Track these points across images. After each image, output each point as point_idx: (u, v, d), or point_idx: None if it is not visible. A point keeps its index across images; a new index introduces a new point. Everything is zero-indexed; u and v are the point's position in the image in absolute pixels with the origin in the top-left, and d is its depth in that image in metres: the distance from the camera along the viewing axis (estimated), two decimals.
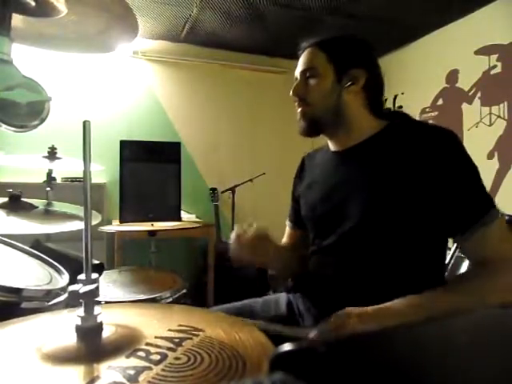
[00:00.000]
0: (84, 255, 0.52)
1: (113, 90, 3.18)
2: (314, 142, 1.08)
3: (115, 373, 0.42)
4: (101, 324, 0.52)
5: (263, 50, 3.49)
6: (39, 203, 1.23)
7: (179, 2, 2.57)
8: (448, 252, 1.16)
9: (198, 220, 3.09)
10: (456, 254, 1.28)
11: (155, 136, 3.13)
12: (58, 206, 1.30)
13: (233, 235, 0.98)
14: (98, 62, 3.11)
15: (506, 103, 2.48)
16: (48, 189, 1.80)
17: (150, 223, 1.81)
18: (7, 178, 2.64)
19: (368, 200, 0.85)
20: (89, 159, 0.52)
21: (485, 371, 0.28)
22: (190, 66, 3.39)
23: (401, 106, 3.20)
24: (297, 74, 0.97)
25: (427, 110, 3.06)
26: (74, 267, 0.89)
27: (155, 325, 0.57)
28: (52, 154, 1.59)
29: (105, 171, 2.70)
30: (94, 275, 0.53)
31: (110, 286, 1.36)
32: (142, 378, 0.42)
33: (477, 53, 2.65)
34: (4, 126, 0.61)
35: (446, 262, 0.88)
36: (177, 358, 0.46)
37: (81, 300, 0.51)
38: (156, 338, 0.51)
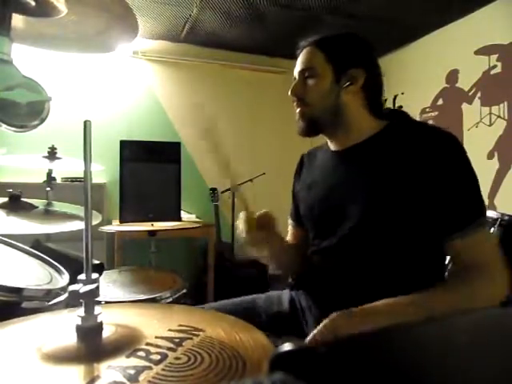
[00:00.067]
0: (84, 255, 0.52)
1: (113, 89, 3.18)
2: (313, 142, 1.08)
3: (115, 372, 0.42)
4: (101, 324, 0.52)
5: (263, 50, 3.50)
6: (39, 203, 1.23)
7: (179, 2, 2.57)
8: None
9: (198, 220, 3.09)
10: None
11: (155, 136, 3.13)
12: (58, 206, 1.30)
13: (242, 220, 0.94)
14: (98, 62, 3.11)
15: (506, 103, 2.48)
16: (48, 189, 1.80)
17: (149, 223, 1.81)
18: (7, 177, 2.65)
19: (367, 200, 0.85)
20: (89, 159, 0.52)
21: (485, 371, 0.28)
22: (189, 66, 3.39)
23: (401, 106, 3.20)
24: (295, 73, 0.97)
25: (427, 110, 3.06)
26: (74, 267, 0.89)
27: (155, 325, 0.57)
28: (52, 154, 1.59)
29: (105, 171, 2.69)
30: (94, 275, 0.53)
31: (110, 286, 1.37)
32: (142, 377, 0.42)
33: (477, 53, 2.65)
34: (4, 125, 0.61)
35: (446, 262, 0.88)
36: (177, 358, 0.46)
37: (81, 300, 0.51)
38: (156, 337, 0.51)
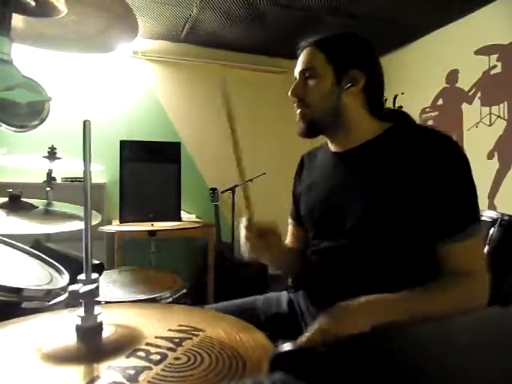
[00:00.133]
0: (84, 255, 0.52)
1: (113, 89, 3.18)
2: (313, 143, 1.08)
3: (115, 373, 0.42)
4: (101, 324, 0.52)
5: (263, 50, 3.50)
6: (39, 203, 1.23)
7: (179, 2, 2.57)
8: None
9: (198, 220, 3.09)
10: None
11: (155, 136, 3.14)
12: (58, 206, 1.30)
13: (243, 226, 0.93)
14: (98, 62, 3.11)
15: (506, 103, 2.48)
16: (48, 189, 1.80)
17: (149, 223, 1.81)
18: (7, 177, 2.65)
19: (366, 201, 0.86)
20: (89, 159, 0.52)
21: (485, 371, 0.28)
22: (190, 66, 3.39)
23: (401, 106, 3.20)
24: (296, 73, 0.97)
25: (427, 110, 3.06)
26: (74, 267, 0.89)
27: (155, 325, 0.57)
28: (52, 154, 1.59)
29: (105, 171, 2.70)
30: (94, 275, 0.53)
31: (110, 285, 1.37)
32: (141, 377, 0.42)
33: (477, 53, 2.65)
34: (4, 125, 0.61)
35: None
36: (177, 358, 0.46)
37: (81, 300, 0.51)
38: (156, 337, 0.51)
